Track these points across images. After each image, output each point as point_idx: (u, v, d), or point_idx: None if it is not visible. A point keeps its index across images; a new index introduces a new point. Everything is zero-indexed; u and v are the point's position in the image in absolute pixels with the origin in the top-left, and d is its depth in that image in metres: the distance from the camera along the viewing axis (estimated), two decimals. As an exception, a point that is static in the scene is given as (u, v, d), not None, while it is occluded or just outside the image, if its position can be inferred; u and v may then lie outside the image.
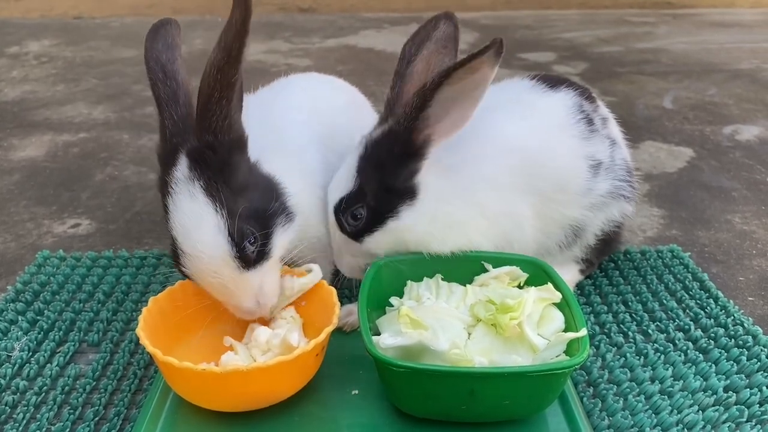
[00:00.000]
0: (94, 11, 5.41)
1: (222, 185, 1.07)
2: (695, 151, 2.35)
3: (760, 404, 1.13)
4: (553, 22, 4.77)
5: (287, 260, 1.22)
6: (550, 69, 3.48)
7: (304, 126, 1.37)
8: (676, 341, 1.31)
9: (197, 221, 1.06)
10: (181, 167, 1.08)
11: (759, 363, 1.22)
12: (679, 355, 1.26)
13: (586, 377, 1.23)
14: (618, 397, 1.17)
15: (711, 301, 1.43)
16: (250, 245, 1.08)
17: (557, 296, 1.16)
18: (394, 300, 1.22)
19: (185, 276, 1.11)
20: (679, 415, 1.11)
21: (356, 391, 1.14)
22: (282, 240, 1.14)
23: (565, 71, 3.42)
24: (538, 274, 1.24)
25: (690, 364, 1.24)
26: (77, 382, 1.21)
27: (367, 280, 1.19)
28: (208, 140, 1.06)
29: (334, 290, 1.18)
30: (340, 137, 1.42)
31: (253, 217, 1.09)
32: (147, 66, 1.15)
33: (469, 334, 1.12)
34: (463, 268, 1.28)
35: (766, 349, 1.26)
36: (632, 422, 1.11)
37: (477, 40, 4.23)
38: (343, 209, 1.23)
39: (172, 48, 1.17)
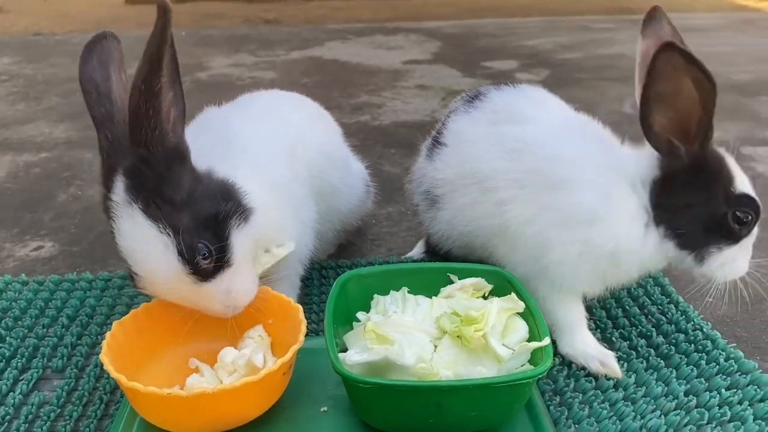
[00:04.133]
0: (54, 27, 5.35)
1: (161, 202, 1.04)
2: (655, 156, 2.40)
3: (720, 406, 1.16)
4: (516, 30, 4.84)
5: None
6: (513, 77, 3.53)
7: (272, 139, 1.37)
8: (639, 348, 1.33)
9: (143, 244, 1.04)
10: (119, 189, 1.06)
11: (717, 366, 1.25)
12: (642, 362, 1.29)
13: (553, 386, 1.24)
14: (583, 405, 1.19)
15: (672, 306, 1.46)
16: (204, 260, 1.05)
17: (521, 306, 1.17)
18: (360, 315, 1.22)
19: (146, 295, 1.11)
20: (642, 421, 1.14)
21: (325, 408, 1.14)
22: (242, 240, 1.11)
23: (527, 79, 3.48)
24: (502, 284, 1.26)
25: (652, 371, 1.26)
26: (41, 410, 1.19)
27: (333, 296, 1.20)
28: (141, 154, 1.04)
29: (300, 307, 1.18)
30: (306, 151, 1.43)
31: (203, 227, 1.06)
32: (81, 86, 1.12)
33: (435, 346, 1.13)
34: (429, 280, 1.29)
35: (724, 353, 1.29)
36: (597, 429, 1.13)
37: (439, 50, 4.27)
38: None
39: (106, 65, 1.14)
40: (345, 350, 1.12)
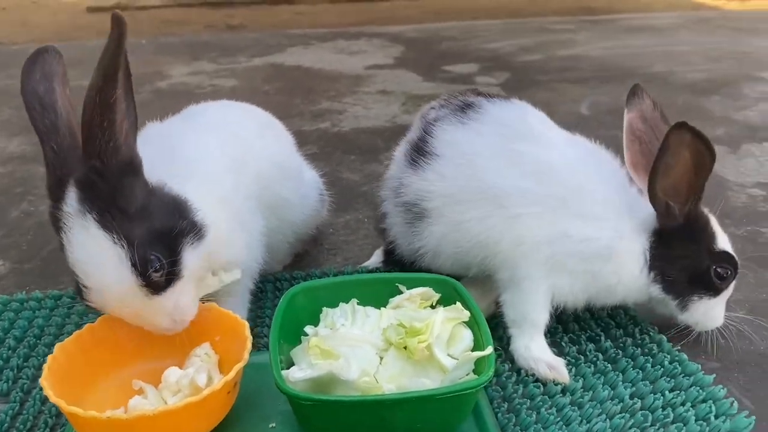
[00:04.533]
0: (13, 36, 5.26)
1: (116, 213, 1.04)
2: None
3: (663, 408, 1.18)
4: (478, 33, 4.87)
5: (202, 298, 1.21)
6: (473, 81, 3.56)
7: (218, 152, 1.36)
8: (587, 353, 1.35)
9: (96, 255, 1.04)
10: (71, 200, 1.05)
11: (662, 369, 1.28)
12: (589, 367, 1.30)
13: (501, 392, 1.26)
14: (531, 411, 1.20)
15: (621, 310, 1.48)
16: (155, 272, 1.06)
17: (466, 315, 1.18)
18: (308, 329, 1.22)
19: (93, 309, 1.10)
20: (588, 425, 1.15)
21: (273, 424, 1.14)
22: (194, 256, 1.12)
23: (487, 82, 3.51)
24: (449, 293, 1.27)
25: (599, 375, 1.28)
26: (-17, 436, 1.18)
27: (280, 311, 1.19)
28: (94, 166, 1.04)
29: (246, 324, 1.18)
30: (256, 162, 1.42)
31: (157, 240, 1.07)
32: (24, 99, 1.12)
33: (382, 358, 1.13)
34: (378, 290, 1.29)
35: (669, 356, 1.32)
36: (544, 434, 1.14)
37: (402, 54, 4.28)
38: None
39: (50, 78, 1.14)
40: (293, 366, 1.12)
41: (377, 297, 1.28)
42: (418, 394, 1.01)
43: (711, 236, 1.32)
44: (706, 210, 1.34)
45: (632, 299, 1.36)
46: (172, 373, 1.12)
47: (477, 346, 1.14)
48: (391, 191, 1.50)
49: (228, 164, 1.35)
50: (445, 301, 1.27)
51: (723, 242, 1.33)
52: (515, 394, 1.24)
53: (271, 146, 1.54)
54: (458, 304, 1.20)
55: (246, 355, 1.10)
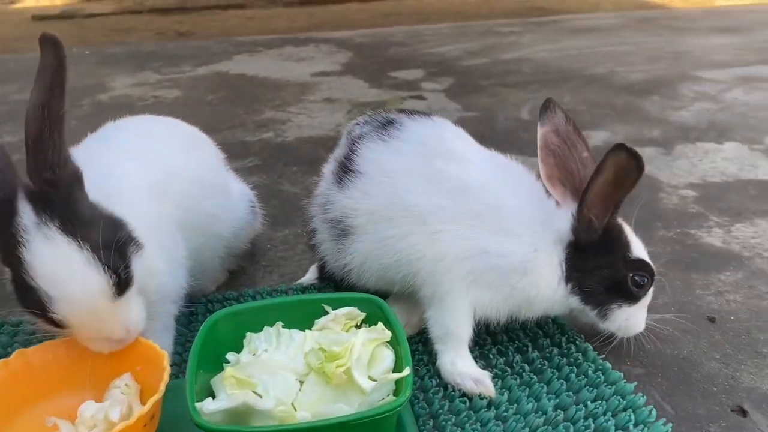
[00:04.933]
0: (-49, 49, 5.11)
1: (75, 220, 1.08)
2: (549, 162, 2.46)
3: (585, 419, 1.20)
4: (426, 37, 4.89)
5: None
6: (419, 87, 3.57)
7: (138, 175, 1.34)
8: (514, 364, 1.36)
9: (64, 262, 1.06)
10: (26, 213, 1.06)
11: (586, 379, 1.30)
12: (515, 379, 1.32)
13: (428, 409, 1.26)
14: (456, 428, 1.21)
15: (549, 320, 1.50)
16: (121, 272, 1.10)
17: (387, 335, 1.18)
18: (230, 356, 1.21)
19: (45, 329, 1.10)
20: (511, 440, 1.16)
21: (197, 454, 1.13)
22: (137, 268, 1.15)
23: (432, 88, 3.52)
24: (374, 311, 1.26)
25: (525, 387, 1.30)
26: None
27: (199, 340, 1.17)
28: (47, 178, 1.07)
29: (165, 354, 1.16)
30: (178, 183, 1.40)
31: (110, 245, 1.10)
32: None
33: (302, 382, 1.12)
34: (304, 312, 1.28)
35: (593, 365, 1.34)
36: (468, 451, 1.15)
37: (349, 60, 4.28)
38: None
39: None
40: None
41: (303, 319, 1.27)
42: (333, 421, 1.01)
43: (626, 245, 1.34)
44: (619, 219, 1.36)
45: (554, 311, 1.38)
46: (88, 408, 1.10)
47: (398, 365, 1.15)
48: (318, 208, 1.51)
49: (148, 191, 1.33)
50: (370, 320, 1.26)
51: (638, 250, 1.36)
52: (441, 410, 1.25)
53: (194, 164, 1.52)
54: (380, 324, 1.20)
55: (162, 387, 1.08)
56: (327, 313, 1.29)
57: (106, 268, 1.07)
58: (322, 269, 1.65)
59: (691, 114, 3.03)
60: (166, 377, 1.10)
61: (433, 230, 1.30)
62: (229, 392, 1.06)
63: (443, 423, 1.21)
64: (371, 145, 1.41)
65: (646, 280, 1.34)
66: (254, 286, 1.73)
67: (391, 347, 1.18)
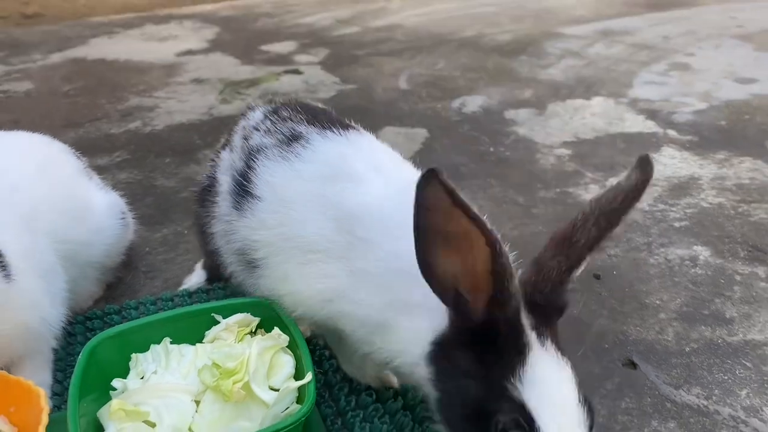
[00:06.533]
0: None
1: None
2: (429, 131, 2.47)
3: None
4: (292, 7, 4.76)
5: None
6: (293, 60, 3.46)
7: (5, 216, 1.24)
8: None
9: None
10: None
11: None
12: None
13: (335, 407, 1.23)
14: (365, 423, 1.19)
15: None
16: None
17: (284, 340, 1.14)
18: (116, 382, 1.12)
19: None
20: (420, 428, 1.16)
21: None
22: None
23: (307, 60, 3.43)
24: (268, 314, 1.21)
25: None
26: None
27: (79, 369, 1.08)
28: None
29: (43, 393, 1.06)
30: (45, 213, 1.32)
31: None
32: None
33: (199, 402, 1.06)
34: (193, 324, 1.21)
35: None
36: (379, 445, 1.13)
37: (217, 36, 4.09)
38: None
39: None
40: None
41: (193, 331, 1.21)
42: (235, 444, 0.96)
43: (516, 361, 0.89)
44: (528, 322, 0.92)
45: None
46: (-43, 462, 0.99)
47: (299, 369, 1.10)
48: (222, 234, 1.29)
49: (10, 223, 1.22)
50: (265, 324, 1.21)
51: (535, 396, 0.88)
52: (348, 407, 1.22)
53: (57, 186, 1.41)
54: (276, 329, 1.15)
55: (42, 430, 0.98)
56: (218, 322, 1.22)
57: None
58: (210, 268, 1.57)
59: (559, 71, 3.13)
60: (44, 419, 1.01)
61: (303, 261, 1.12)
62: (118, 427, 0.98)
63: (351, 420, 1.19)
64: (270, 165, 1.21)
65: None
66: (135, 296, 1.62)
67: (290, 351, 1.14)
